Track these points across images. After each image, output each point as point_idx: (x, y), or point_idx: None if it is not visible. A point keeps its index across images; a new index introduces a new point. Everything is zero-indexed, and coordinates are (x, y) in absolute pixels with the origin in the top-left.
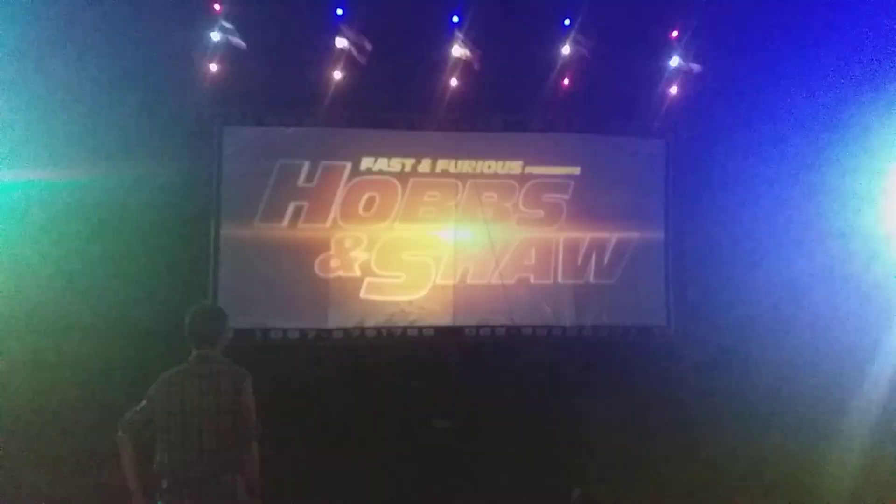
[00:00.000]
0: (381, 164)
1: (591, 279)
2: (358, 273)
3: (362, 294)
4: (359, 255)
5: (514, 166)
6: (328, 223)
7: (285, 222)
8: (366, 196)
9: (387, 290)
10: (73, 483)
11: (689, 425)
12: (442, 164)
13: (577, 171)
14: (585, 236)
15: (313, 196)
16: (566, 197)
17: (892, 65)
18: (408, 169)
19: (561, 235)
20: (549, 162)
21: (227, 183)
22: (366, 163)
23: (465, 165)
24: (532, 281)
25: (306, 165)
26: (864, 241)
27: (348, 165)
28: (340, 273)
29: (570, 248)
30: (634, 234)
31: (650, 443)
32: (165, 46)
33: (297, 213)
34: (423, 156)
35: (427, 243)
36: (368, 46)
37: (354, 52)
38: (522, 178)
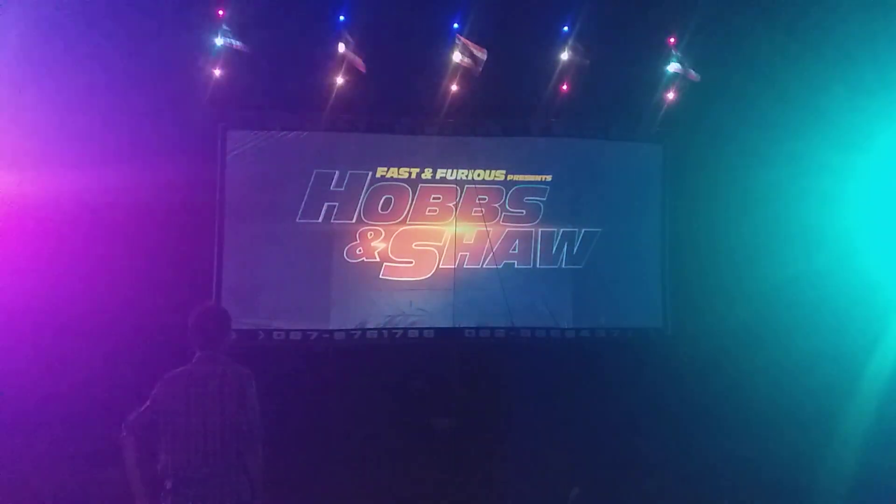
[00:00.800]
0: (393, 172)
1: (563, 265)
2: (377, 259)
3: (381, 275)
4: (378, 245)
5: (499, 174)
6: (354, 219)
7: (321, 219)
8: (383, 198)
9: (400, 273)
10: (77, 484)
11: (686, 426)
12: (441, 172)
13: (548, 178)
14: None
15: (344, 198)
16: (563, 198)
17: (887, 69)
18: (414, 176)
19: (540, 229)
20: (532, 170)
21: (231, 184)
22: (381, 171)
23: (461, 173)
24: (516, 266)
25: (336, 173)
26: (860, 244)
27: (369, 174)
28: (363, 259)
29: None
30: (632, 237)
31: (648, 443)
32: (169, 52)
33: (330, 211)
34: (426, 165)
35: (432, 236)
36: (362, 67)
37: (352, 57)
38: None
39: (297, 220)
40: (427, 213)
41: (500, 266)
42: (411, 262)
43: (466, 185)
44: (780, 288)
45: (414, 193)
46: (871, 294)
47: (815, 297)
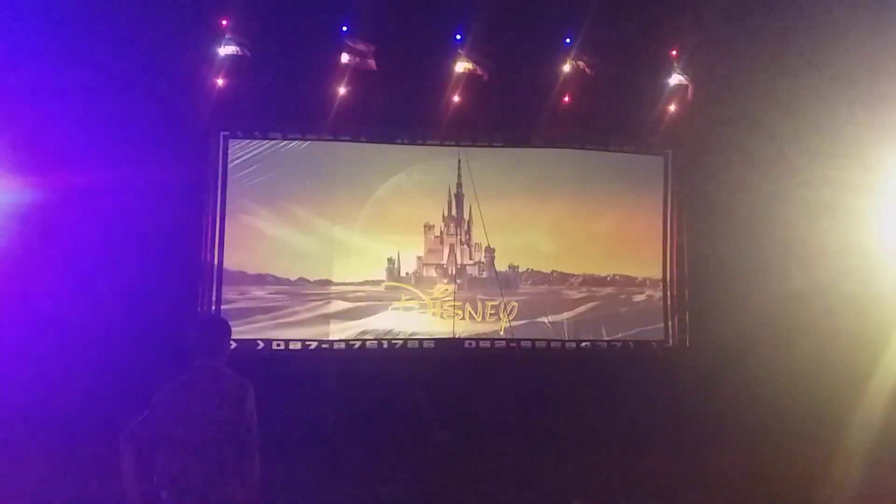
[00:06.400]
0: (396, 182)
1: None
2: (377, 268)
3: (381, 285)
4: (379, 255)
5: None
6: (355, 230)
7: (322, 228)
8: (385, 209)
9: (401, 283)
10: (73, 491)
11: (688, 438)
12: (443, 183)
13: (551, 188)
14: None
15: (345, 208)
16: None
17: (887, 83)
18: (416, 186)
19: (541, 240)
20: (549, 177)
21: (232, 193)
22: (383, 181)
23: (464, 184)
24: (517, 276)
25: (338, 183)
26: (862, 257)
27: (371, 184)
28: (363, 268)
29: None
30: (634, 248)
31: (648, 455)
32: (173, 60)
33: (332, 221)
34: (428, 174)
35: (433, 246)
36: (371, 56)
37: (361, 52)
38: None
39: (298, 230)
40: (428, 223)
41: (500, 276)
42: (411, 272)
43: (468, 196)
44: (784, 299)
45: (416, 204)
46: (876, 305)
47: (818, 308)
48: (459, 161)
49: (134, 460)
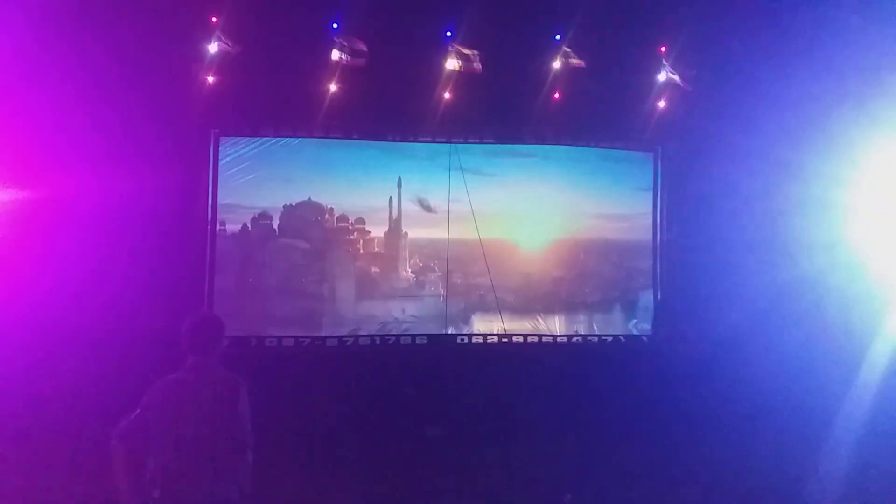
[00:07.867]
0: (386, 179)
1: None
2: (370, 265)
3: (374, 281)
4: (371, 252)
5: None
6: (347, 226)
7: (314, 225)
8: (377, 206)
9: (394, 279)
10: (66, 491)
11: (677, 433)
12: (434, 179)
13: (541, 185)
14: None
15: (337, 205)
16: (555, 207)
17: (875, 79)
18: (407, 184)
19: (532, 237)
20: (540, 173)
21: (224, 191)
22: (374, 179)
23: (455, 180)
24: (509, 273)
25: (329, 181)
26: (849, 251)
27: (363, 182)
28: (357, 265)
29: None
30: (624, 243)
31: (639, 449)
32: (163, 58)
33: (324, 218)
34: (419, 172)
35: (426, 243)
36: (363, 54)
37: (349, 57)
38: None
39: (290, 227)
40: (420, 221)
41: (493, 273)
42: (404, 269)
43: (459, 193)
44: (772, 294)
45: (407, 201)
46: (863, 300)
47: (806, 304)
48: (451, 157)
49: (126, 460)
